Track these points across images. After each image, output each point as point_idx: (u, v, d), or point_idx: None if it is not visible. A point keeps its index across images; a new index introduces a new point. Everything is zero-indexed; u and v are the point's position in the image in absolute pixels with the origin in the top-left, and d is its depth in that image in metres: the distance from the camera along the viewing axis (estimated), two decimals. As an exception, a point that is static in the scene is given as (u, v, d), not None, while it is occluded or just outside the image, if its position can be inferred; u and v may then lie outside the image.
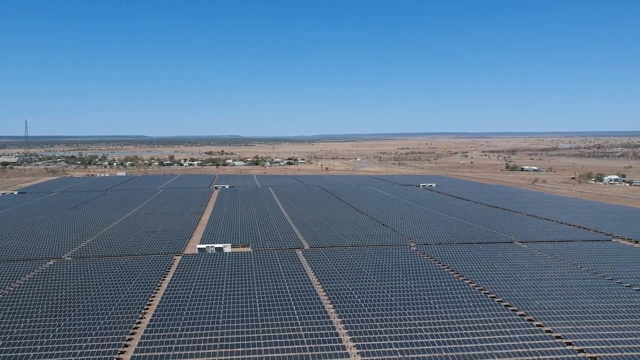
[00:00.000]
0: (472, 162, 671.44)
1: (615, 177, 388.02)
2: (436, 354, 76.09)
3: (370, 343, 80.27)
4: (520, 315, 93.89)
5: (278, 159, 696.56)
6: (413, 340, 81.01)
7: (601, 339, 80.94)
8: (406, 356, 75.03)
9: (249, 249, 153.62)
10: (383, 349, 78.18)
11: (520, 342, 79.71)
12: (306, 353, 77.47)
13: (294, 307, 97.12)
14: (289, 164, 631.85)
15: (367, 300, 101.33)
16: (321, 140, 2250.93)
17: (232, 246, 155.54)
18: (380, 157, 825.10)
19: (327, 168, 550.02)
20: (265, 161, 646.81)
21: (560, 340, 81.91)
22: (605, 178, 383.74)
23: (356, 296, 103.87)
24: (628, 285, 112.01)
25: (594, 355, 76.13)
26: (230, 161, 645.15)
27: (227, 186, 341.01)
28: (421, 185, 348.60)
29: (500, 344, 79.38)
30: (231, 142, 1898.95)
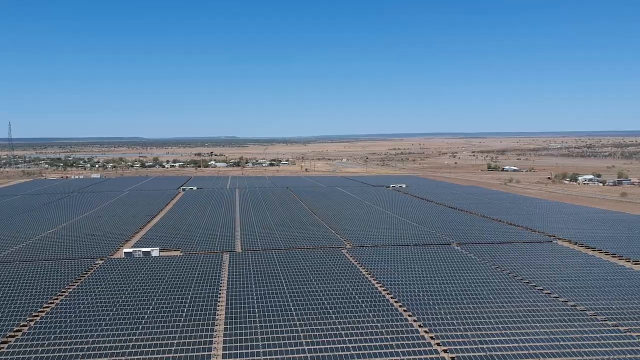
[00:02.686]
0: (456, 163, 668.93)
1: (590, 176, 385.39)
2: (301, 356, 73.36)
3: (241, 352, 77.42)
4: (413, 320, 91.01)
5: (262, 160, 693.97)
6: (287, 348, 78.14)
7: (481, 346, 78.06)
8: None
9: (178, 253, 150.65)
10: (252, 357, 75.36)
11: (395, 350, 76.83)
12: (167, 362, 74.69)
13: (182, 316, 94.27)
14: (271, 164, 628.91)
15: (263, 306, 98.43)
16: (317, 141, 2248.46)
17: (162, 250, 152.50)
18: (367, 158, 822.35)
19: (306, 169, 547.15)
20: (247, 162, 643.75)
21: (438, 347, 79.12)
22: (580, 178, 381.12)
23: (255, 302, 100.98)
24: (540, 288, 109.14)
25: (464, 363, 73.40)
26: (212, 162, 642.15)
27: (195, 188, 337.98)
28: (391, 186, 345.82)
29: (373, 351, 76.49)
30: (226, 144, 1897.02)
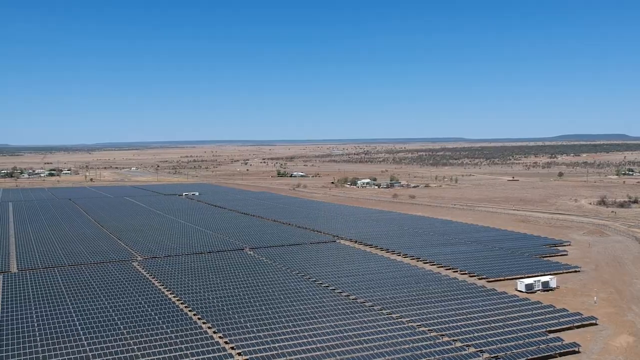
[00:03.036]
0: (247, 170, 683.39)
1: (368, 180, 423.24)
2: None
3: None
4: (207, 327, 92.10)
5: (41, 170, 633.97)
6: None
7: (273, 345, 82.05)
8: None
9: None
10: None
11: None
12: None
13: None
14: (51, 175, 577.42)
15: (46, 329, 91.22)
16: (103, 149, 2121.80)
17: None
18: (158, 166, 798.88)
19: (92, 179, 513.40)
20: (22, 173, 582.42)
21: (233, 351, 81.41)
22: (359, 182, 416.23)
23: (37, 326, 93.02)
24: (326, 285, 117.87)
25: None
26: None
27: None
28: (184, 194, 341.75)
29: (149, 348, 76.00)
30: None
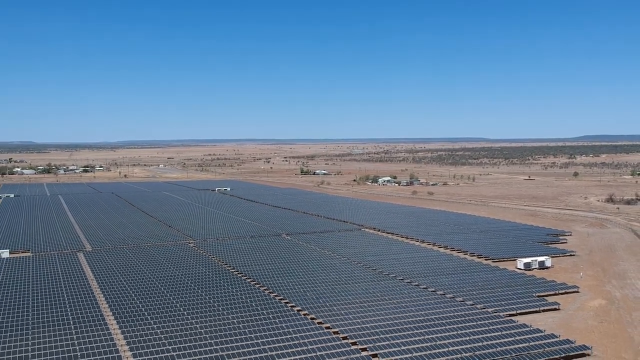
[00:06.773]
0: (271, 168, 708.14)
1: (388, 178, 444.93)
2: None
3: (136, 326, 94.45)
4: (264, 290, 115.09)
5: (74, 167, 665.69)
6: (179, 321, 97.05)
7: (318, 301, 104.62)
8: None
9: (29, 254, 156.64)
10: (148, 331, 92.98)
11: (267, 316, 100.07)
12: None
13: (69, 309, 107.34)
14: (85, 171, 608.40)
15: (138, 291, 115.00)
16: (125, 147, 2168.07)
17: (12, 252, 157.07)
18: (184, 164, 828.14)
19: (125, 175, 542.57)
20: (58, 169, 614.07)
21: (293, 308, 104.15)
22: (380, 180, 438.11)
23: (128, 288, 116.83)
24: (357, 262, 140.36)
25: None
26: (19, 169, 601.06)
27: (12, 195, 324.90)
28: (217, 189, 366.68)
29: (253, 318, 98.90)
30: (23, 149, 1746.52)
